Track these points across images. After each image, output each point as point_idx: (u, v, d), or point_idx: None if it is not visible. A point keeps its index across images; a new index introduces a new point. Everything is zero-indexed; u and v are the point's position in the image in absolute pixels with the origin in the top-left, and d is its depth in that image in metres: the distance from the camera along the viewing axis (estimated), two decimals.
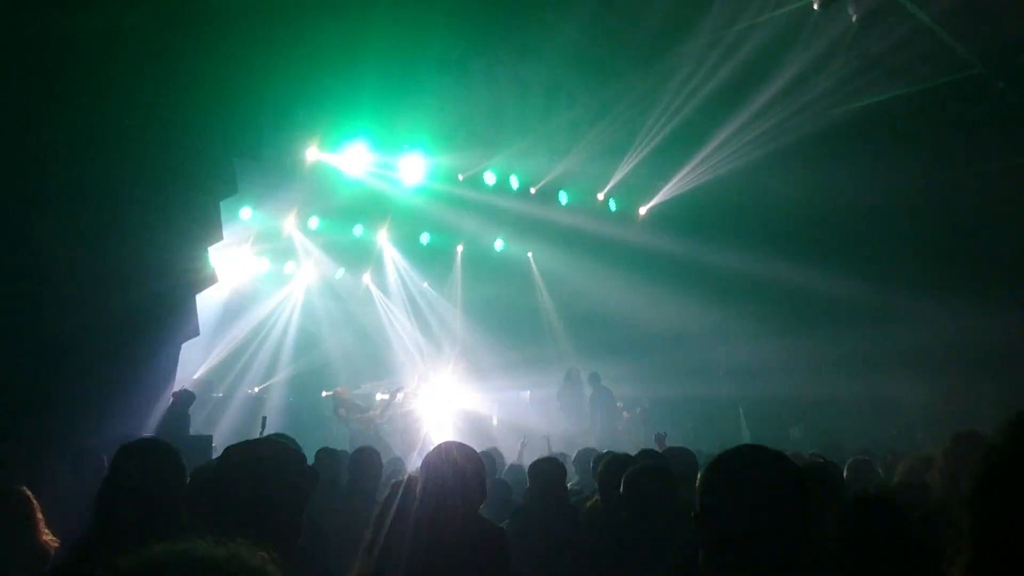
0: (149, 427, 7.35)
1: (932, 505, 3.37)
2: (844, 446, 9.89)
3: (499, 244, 15.90)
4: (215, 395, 13.14)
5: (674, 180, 14.36)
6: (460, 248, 16.06)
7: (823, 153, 12.96)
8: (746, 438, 14.79)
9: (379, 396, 15.03)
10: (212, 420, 12.01)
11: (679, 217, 15.07)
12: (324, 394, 14.70)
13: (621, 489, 3.95)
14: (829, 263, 14.43)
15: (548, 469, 4.86)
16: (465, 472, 3.44)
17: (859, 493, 3.23)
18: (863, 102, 12.03)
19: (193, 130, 8.06)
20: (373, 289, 16.32)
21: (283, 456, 2.40)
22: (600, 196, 14.84)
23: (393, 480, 4.37)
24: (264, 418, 10.86)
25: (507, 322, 16.51)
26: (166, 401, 8.38)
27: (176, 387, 8.86)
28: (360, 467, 5.59)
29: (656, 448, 6.04)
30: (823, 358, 15.11)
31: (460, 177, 12.98)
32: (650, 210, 15.50)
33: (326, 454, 6.12)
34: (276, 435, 4.38)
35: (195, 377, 13.27)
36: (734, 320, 16.43)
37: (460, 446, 3.62)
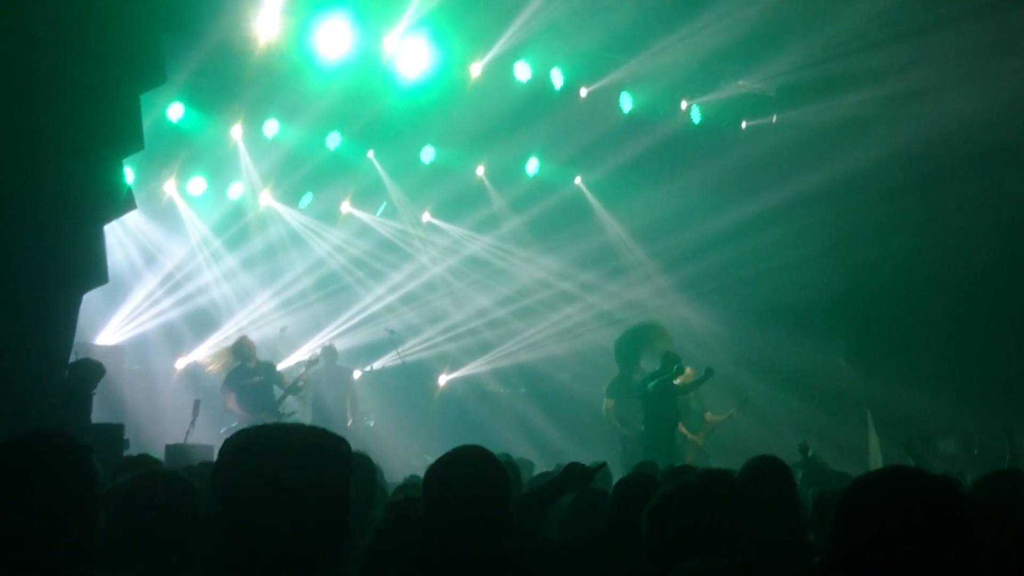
0: (38, 412, 7.38)
1: None
2: None
3: (533, 165, 15.93)
4: (129, 367, 13.26)
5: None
6: (481, 170, 16.19)
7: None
8: (875, 451, 14.87)
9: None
10: (122, 402, 12.12)
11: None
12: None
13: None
14: None
15: (640, 490, 4.53)
16: (488, 492, 3.42)
17: None
18: None
19: None
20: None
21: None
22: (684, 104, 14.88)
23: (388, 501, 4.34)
24: (197, 401, 11.00)
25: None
26: (61, 375, 8.42)
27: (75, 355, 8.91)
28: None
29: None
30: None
31: (477, 70, 13.03)
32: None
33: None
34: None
35: (99, 343, 13.39)
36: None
37: (477, 452, 3.59)
